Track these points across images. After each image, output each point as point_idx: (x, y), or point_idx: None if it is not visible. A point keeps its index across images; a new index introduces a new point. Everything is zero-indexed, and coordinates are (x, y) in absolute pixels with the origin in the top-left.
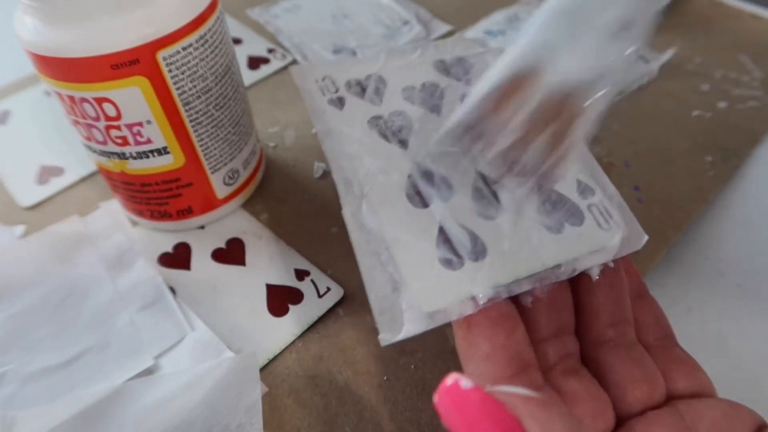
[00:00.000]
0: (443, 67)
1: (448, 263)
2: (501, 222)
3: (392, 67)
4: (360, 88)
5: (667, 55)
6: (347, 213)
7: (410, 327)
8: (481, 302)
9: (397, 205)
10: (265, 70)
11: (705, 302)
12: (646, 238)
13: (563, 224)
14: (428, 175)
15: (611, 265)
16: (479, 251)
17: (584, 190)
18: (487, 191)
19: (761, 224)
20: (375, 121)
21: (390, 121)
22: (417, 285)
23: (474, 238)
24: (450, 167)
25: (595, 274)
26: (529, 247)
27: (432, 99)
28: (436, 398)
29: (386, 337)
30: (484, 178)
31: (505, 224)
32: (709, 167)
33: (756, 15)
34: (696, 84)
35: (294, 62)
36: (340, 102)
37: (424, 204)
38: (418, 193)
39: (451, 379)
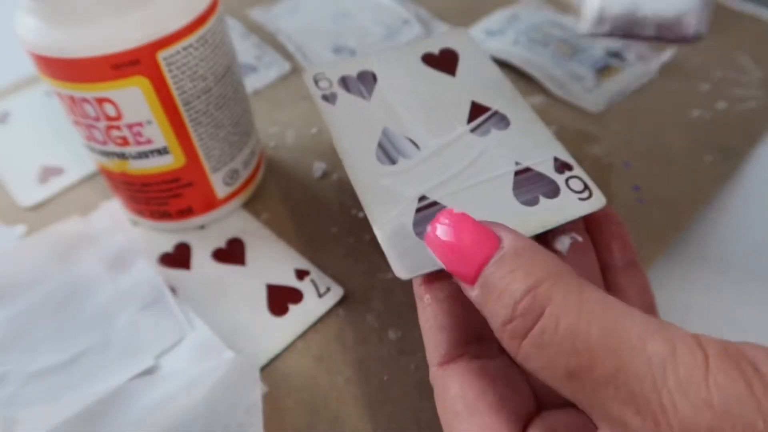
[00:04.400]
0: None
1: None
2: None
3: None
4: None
5: (667, 55)
6: None
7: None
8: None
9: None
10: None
11: (704, 302)
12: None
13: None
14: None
15: (580, 240)
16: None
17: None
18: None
19: (761, 224)
20: None
21: None
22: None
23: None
24: None
25: (564, 250)
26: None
27: None
28: (428, 229)
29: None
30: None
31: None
32: (709, 167)
33: (756, 16)
34: (696, 84)
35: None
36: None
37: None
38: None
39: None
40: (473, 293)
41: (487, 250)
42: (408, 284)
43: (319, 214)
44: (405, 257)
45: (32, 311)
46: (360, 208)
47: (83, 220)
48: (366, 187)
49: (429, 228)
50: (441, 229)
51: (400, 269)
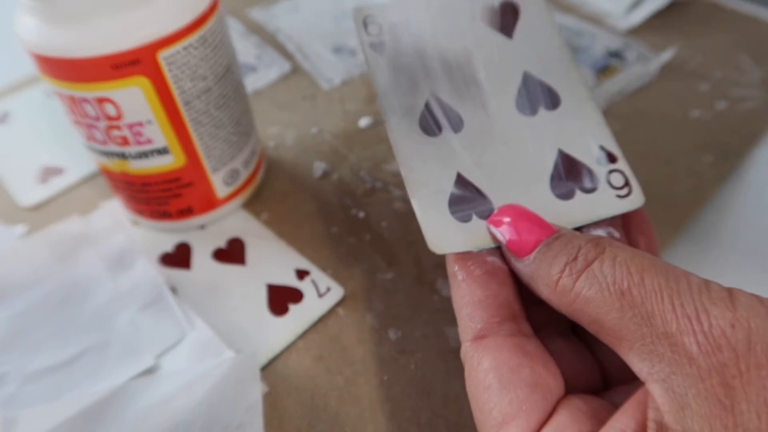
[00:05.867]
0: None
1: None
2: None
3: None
4: None
5: (667, 55)
6: None
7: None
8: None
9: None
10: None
11: None
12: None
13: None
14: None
15: (617, 236)
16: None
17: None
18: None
19: (761, 224)
20: None
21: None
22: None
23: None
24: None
25: None
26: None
27: None
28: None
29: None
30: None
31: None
32: (708, 167)
33: (755, 16)
34: (696, 84)
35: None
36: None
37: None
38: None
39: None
40: (526, 259)
41: (548, 230)
42: (408, 284)
43: (319, 214)
44: (440, 233)
45: (32, 311)
46: (360, 207)
47: (83, 220)
48: (406, 155)
49: (489, 220)
50: (504, 227)
51: (435, 244)
